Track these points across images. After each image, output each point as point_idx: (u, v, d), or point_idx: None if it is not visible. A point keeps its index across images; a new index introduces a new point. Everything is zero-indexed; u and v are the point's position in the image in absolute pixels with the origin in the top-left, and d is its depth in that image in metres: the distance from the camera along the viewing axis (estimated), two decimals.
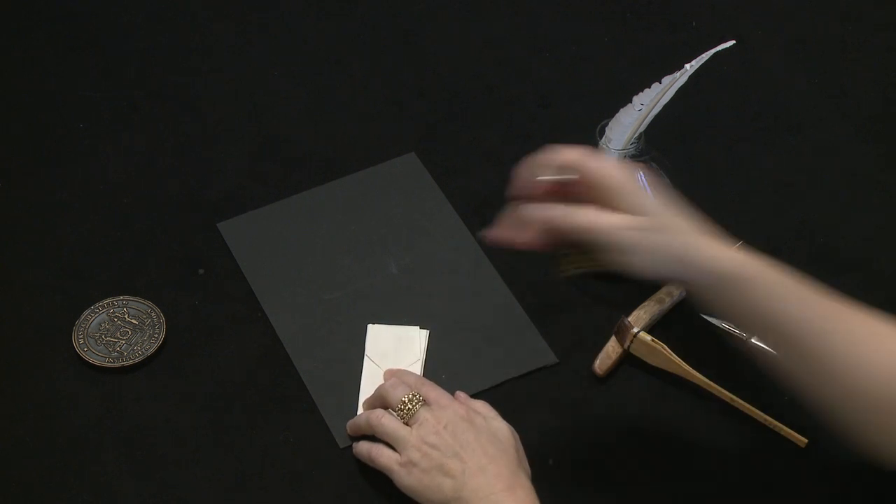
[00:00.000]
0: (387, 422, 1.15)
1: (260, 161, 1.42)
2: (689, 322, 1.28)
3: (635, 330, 1.24)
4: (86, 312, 1.28)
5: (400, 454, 1.14)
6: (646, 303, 1.28)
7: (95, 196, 1.38)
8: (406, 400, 1.15)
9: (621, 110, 1.21)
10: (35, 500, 1.17)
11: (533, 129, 1.45)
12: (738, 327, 1.11)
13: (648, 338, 1.23)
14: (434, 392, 1.17)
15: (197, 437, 1.21)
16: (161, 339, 1.26)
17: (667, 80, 1.17)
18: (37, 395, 1.24)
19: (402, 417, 1.15)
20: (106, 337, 1.26)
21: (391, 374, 1.20)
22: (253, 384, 1.24)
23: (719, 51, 1.16)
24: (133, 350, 1.26)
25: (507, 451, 1.12)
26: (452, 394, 1.18)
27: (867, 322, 1.06)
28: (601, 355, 1.25)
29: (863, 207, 1.38)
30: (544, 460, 1.18)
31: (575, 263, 1.14)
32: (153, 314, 1.28)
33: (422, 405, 1.15)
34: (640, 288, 1.29)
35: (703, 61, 1.16)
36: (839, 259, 1.33)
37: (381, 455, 1.15)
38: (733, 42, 1.17)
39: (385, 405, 1.17)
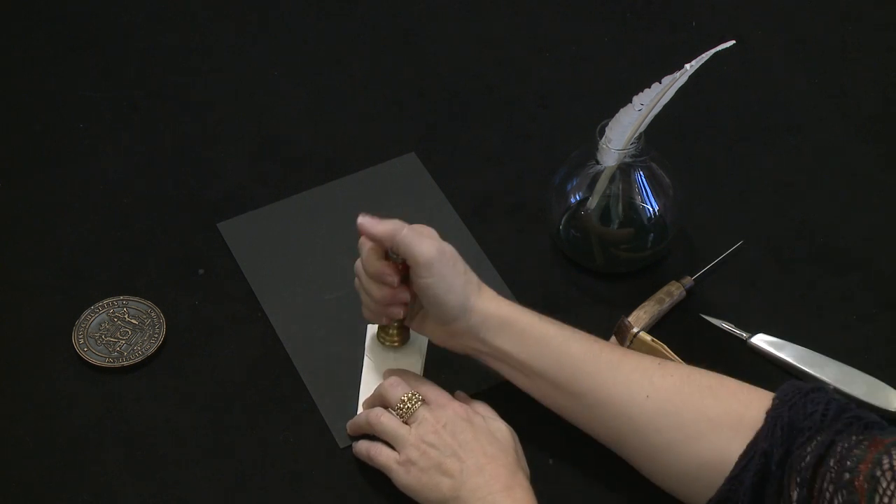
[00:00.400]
0: (385, 420, 1.15)
1: (260, 161, 1.42)
2: (689, 322, 1.28)
3: (635, 330, 1.24)
4: (86, 312, 1.28)
5: (399, 453, 1.14)
6: (646, 303, 1.28)
7: (95, 196, 1.38)
8: (405, 399, 1.15)
9: (621, 110, 1.21)
10: (35, 500, 1.17)
11: (533, 129, 1.45)
12: (522, 369, 1.17)
13: (648, 338, 1.23)
14: (433, 391, 1.17)
15: (197, 437, 1.21)
16: (161, 339, 1.26)
17: (667, 80, 1.17)
18: (37, 395, 1.24)
19: (402, 416, 1.15)
20: (106, 337, 1.26)
21: (391, 374, 1.20)
22: (253, 384, 1.24)
23: (719, 51, 1.15)
24: (133, 350, 1.26)
25: (506, 450, 1.12)
26: (452, 394, 1.18)
27: (629, 357, 1.13)
28: None
29: (863, 207, 1.38)
30: (544, 460, 1.18)
31: (389, 338, 1.23)
32: (153, 314, 1.28)
33: (421, 404, 1.15)
34: (639, 288, 1.30)
35: (703, 61, 1.16)
36: (839, 259, 1.33)
37: (380, 454, 1.15)
38: (733, 42, 1.16)
39: (384, 404, 1.17)
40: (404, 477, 1.13)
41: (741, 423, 1.06)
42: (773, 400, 1.07)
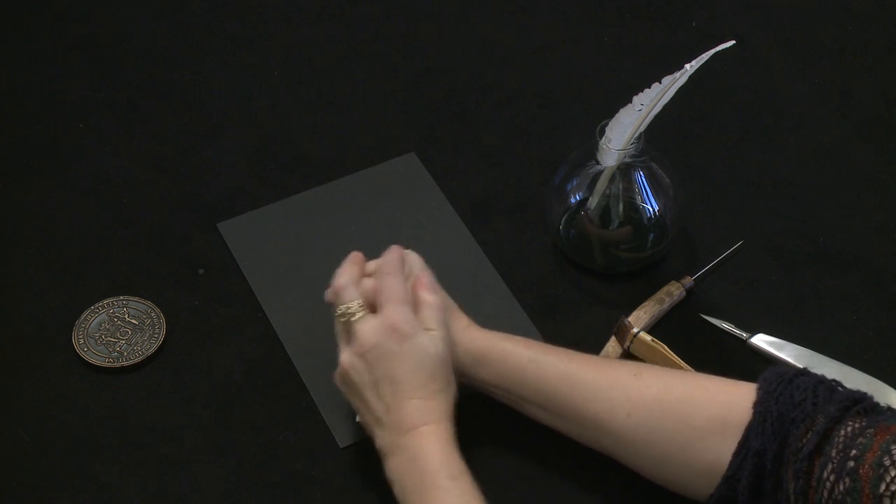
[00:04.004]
0: (336, 324, 1.15)
1: (260, 161, 1.42)
2: (689, 322, 1.28)
3: (635, 330, 1.24)
4: (86, 312, 1.28)
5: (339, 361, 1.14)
6: (646, 303, 1.28)
7: (95, 196, 1.38)
8: (344, 310, 1.14)
9: (621, 110, 1.21)
10: (35, 500, 1.17)
11: (533, 129, 1.45)
12: (507, 396, 1.17)
13: (648, 338, 1.23)
14: (387, 289, 1.14)
15: (197, 437, 1.21)
16: (161, 339, 1.26)
17: (667, 80, 1.17)
18: (37, 395, 1.24)
19: (342, 325, 1.14)
20: (106, 337, 1.26)
21: (350, 264, 1.18)
22: (253, 384, 1.24)
23: (719, 51, 1.16)
24: (133, 350, 1.26)
25: (432, 374, 1.10)
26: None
27: (605, 373, 1.13)
28: (601, 355, 1.25)
29: (863, 207, 1.38)
30: (544, 460, 1.18)
31: None
32: (153, 314, 1.28)
33: (358, 317, 1.13)
34: (639, 288, 1.30)
35: (703, 61, 1.16)
36: (839, 259, 1.33)
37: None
38: (733, 42, 1.17)
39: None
40: (341, 389, 1.15)
41: (726, 426, 1.06)
42: (758, 392, 1.06)
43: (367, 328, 1.12)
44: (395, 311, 1.12)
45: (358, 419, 1.20)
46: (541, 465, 1.18)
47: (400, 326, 1.11)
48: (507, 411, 1.18)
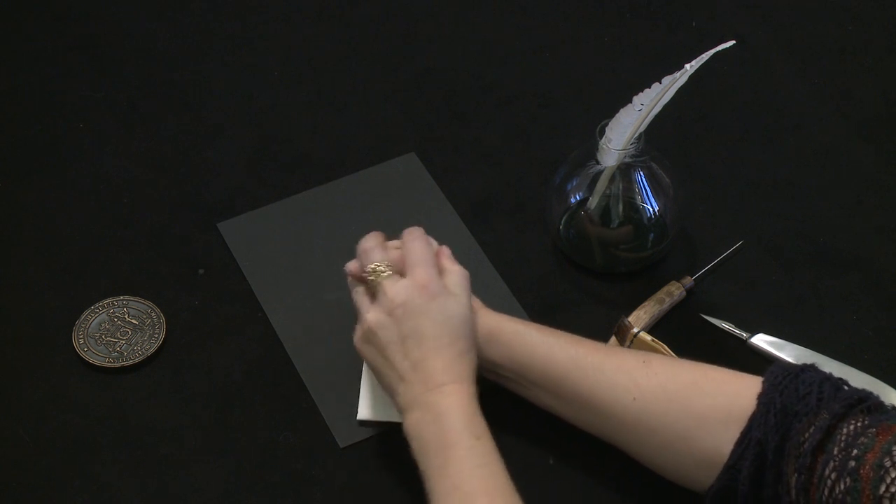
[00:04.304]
0: (354, 294, 1.16)
1: (260, 161, 1.42)
2: (689, 322, 1.28)
3: (635, 330, 1.24)
4: (86, 312, 1.28)
5: (361, 324, 1.15)
6: (646, 303, 1.28)
7: (95, 196, 1.38)
8: (372, 269, 1.15)
9: (621, 110, 1.21)
10: (35, 500, 1.17)
11: (533, 129, 1.45)
12: (515, 378, 1.17)
13: (648, 338, 1.23)
14: (413, 254, 1.15)
15: (197, 437, 1.21)
16: (161, 339, 1.26)
17: (667, 80, 1.17)
18: (37, 395, 1.24)
19: (370, 286, 1.15)
20: (106, 337, 1.26)
21: (373, 235, 1.19)
22: (253, 384, 1.24)
23: (719, 51, 1.16)
24: (133, 350, 1.26)
25: (457, 335, 1.12)
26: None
27: (613, 358, 1.13)
28: None
29: (863, 207, 1.38)
30: (544, 460, 1.19)
31: None
32: (153, 314, 1.28)
33: (385, 276, 1.14)
34: (639, 288, 1.30)
35: (703, 61, 1.16)
36: (839, 259, 1.33)
37: (357, 325, 1.16)
38: (733, 42, 1.17)
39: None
40: (362, 351, 1.14)
41: (730, 415, 1.06)
42: (763, 384, 1.06)
43: (397, 287, 1.13)
44: (423, 272, 1.13)
45: (359, 418, 1.20)
46: (540, 453, 1.18)
47: (429, 285, 1.13)
48: (509, 398, 1.18)
